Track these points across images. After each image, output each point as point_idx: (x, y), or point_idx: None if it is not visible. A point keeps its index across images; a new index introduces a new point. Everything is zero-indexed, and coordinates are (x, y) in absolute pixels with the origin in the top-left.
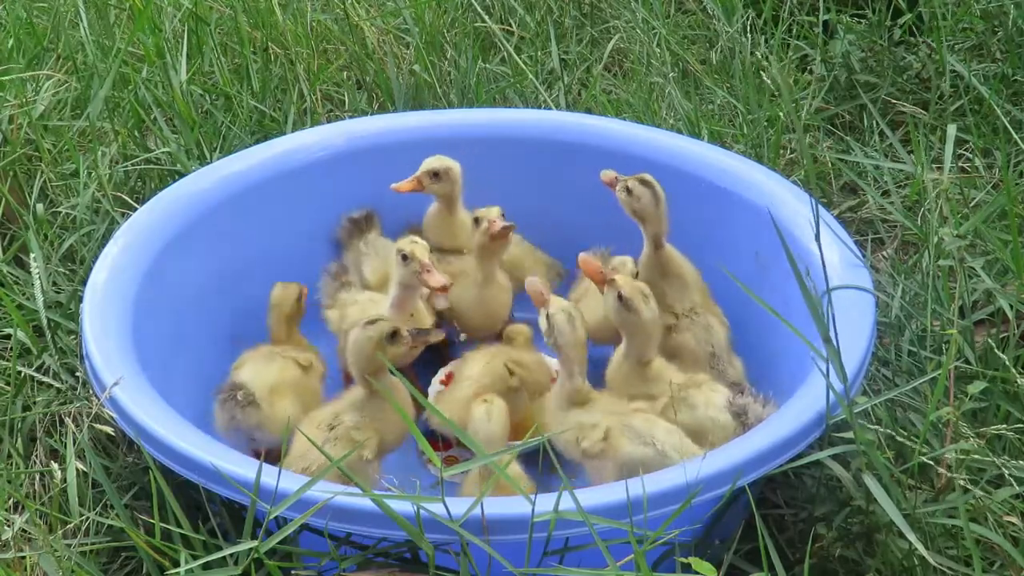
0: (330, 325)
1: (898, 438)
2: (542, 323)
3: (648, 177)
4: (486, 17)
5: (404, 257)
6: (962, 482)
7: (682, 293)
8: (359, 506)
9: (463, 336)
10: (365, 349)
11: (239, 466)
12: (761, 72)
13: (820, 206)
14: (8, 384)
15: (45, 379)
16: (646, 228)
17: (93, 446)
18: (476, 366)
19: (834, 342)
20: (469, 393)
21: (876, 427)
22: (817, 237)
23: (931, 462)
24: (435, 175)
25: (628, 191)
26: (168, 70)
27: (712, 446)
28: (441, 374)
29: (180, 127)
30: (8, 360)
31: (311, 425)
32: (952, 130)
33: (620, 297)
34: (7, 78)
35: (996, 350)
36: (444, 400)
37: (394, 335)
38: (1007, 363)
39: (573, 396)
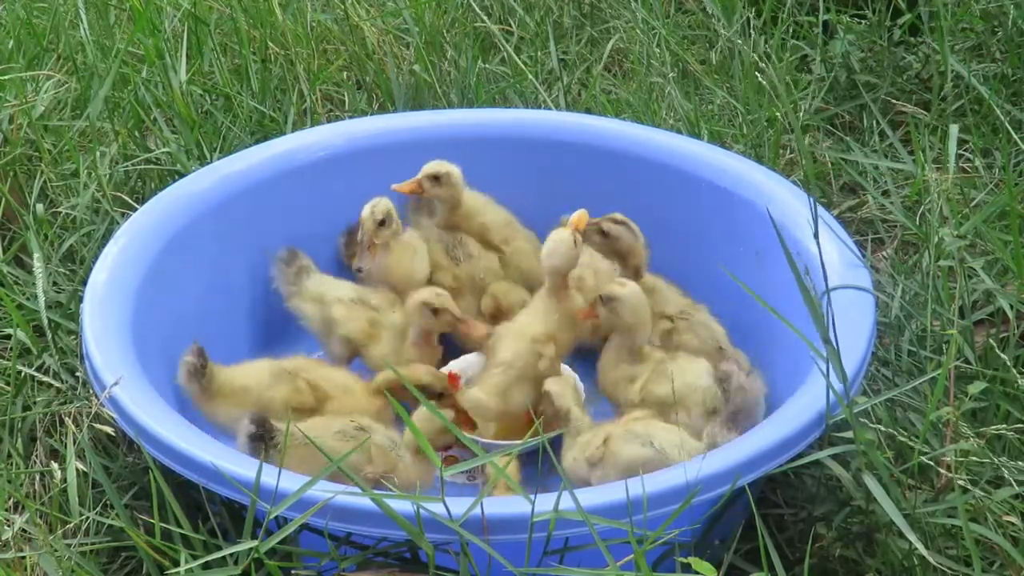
0: (303, 316)
1: (900, 438)
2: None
3: (620, 216)
4: (485, 18)
5: (434, 311)
6: (961, 482)
7: (665, 299)
8: (359, 506)
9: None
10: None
11: (239, 466)
12: (761, 72)
13: (820, 206)
14: (8, 384)
15: (45, 379)
16: (627, 263)
17: (93, 446)
18: (506, 351)
19: (833, 343)
20: (502, 381)
21: (877, 426)
22: (816, 236)
23: (931, 463)
24: (435, 179)
25: (603, 233)
26: (168, 70)
27: (689, 412)
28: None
29: (180, 127)
30: (8, 360)
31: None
32: (954, 130)
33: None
34: (7, 77)
35: (996, 350)
36: (479, 391)
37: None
38: (1008, 363)
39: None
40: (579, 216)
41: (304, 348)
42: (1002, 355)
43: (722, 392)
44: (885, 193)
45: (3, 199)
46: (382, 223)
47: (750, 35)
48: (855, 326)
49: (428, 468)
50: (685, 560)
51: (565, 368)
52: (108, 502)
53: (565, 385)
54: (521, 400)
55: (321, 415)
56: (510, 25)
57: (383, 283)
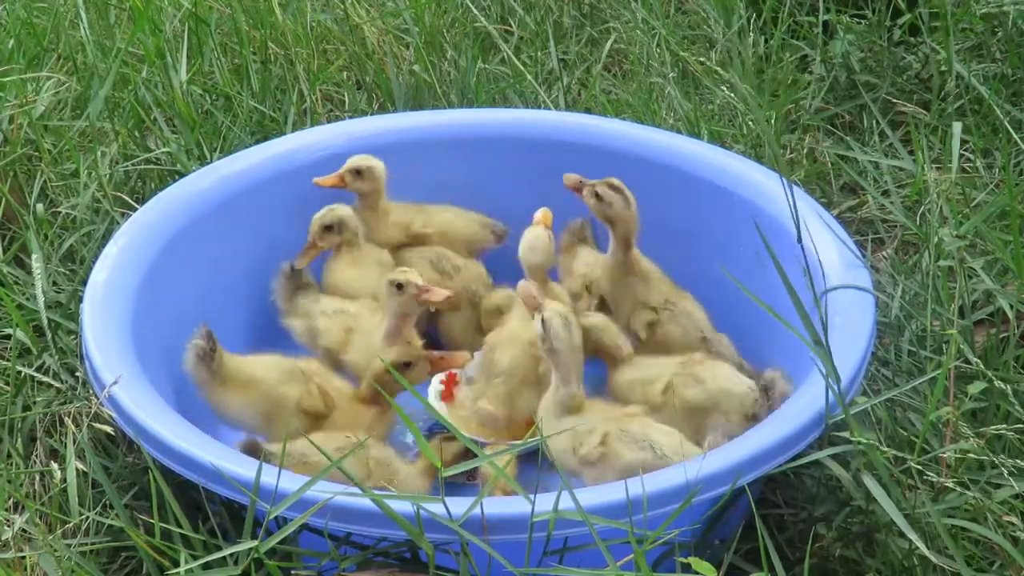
0: (296, 335)
1: (889, 450)
2: (536, 327)
3: (616, 181)
4: (483, 19)
5: (399, 286)
6: (950, 484)
7: (649, 287)
8: (359, 506)
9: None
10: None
11: (239, 466)
12: (731, 86)
13: (819, 205)
14: (8, 384)
15: (45, 379)
16: (616, 231)
17: (93, 446)
18: (504, 359)
19: (825, 345)
20: (505, 391)
21: (872, 442)
22: (799, 240)
23: (919, 467)
24: (357, 173)
25: (598, 196)
26: (168, 70)
27: (727, 417)
28: (441, 373)
29: (180, 127)
30: (8, 360)
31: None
32: (957, 128)
33: (543, 321)
34: (8, 79)
35: (996, 350)
36: (487, 404)
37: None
38: (988, 371)
39: (568, 402)
40: (543, 213)
41: (304, 350)
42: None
43: (765, 400)
44: (885, 193)
45: (3, 199)
46: (328, 228)
47: (750, 35)
48: (855, 326)
49: (427, 480)
50: (685, 560)
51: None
52: (108, 502)
53: (568, 332)
54: (527, 405)
55: (328, 422)
56: (510, 25)
57: (334, 293)
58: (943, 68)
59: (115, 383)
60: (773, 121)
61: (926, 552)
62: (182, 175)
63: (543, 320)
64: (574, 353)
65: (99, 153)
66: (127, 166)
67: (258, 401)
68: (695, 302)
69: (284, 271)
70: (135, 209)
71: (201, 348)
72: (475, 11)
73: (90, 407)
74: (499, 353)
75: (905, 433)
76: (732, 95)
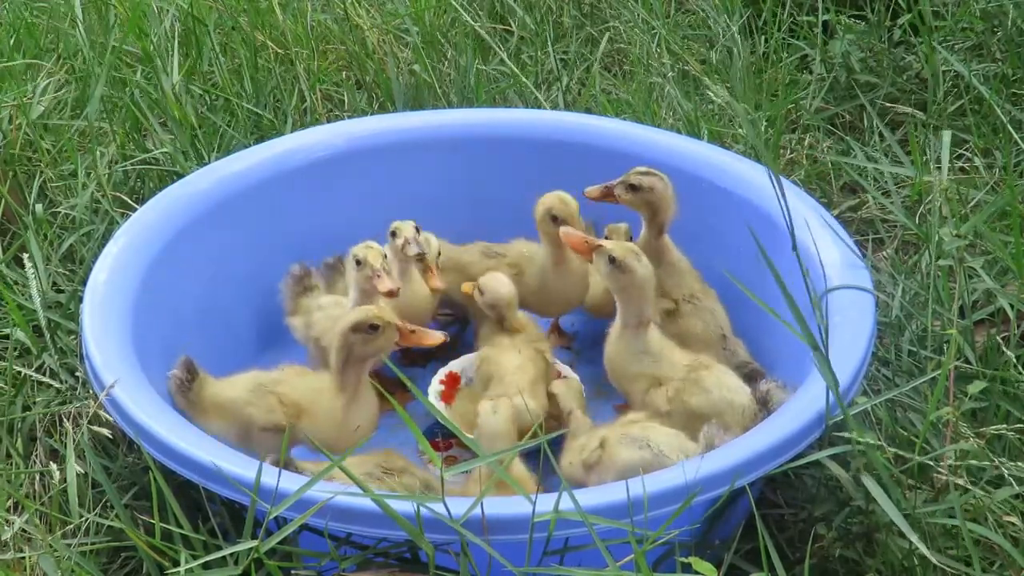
0: (295, 333)
1: (892, 447)
2: (601, 267)
3: (643, 168)
4: (481, 19)
5: (358, 262)
6: (960, 481)
7: (677, 280)
8: (359, 506)
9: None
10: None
11: (239, 466)
12: (761, 72)
13: (820, 205)
14: (8, 384)
15: (45, 379)
16: (657, 217)
17: (93, 446)
18: (512, 361)
19: (823, 350)
20: (513, 391)
21: (876, 429)
22: (794, 249)
23: (930, 463)
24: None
25: (633, 188)
26: (159, 73)
27: (728, 427)
28: (441, 374)
29: (174, 129)
30: (8, 360)
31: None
32: (947, 136)
33: (612, 260)
34: (7, 80)
35: (996, 350)
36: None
37: (373, 328)
38: (1011, 361)
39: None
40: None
41: (302, 350)
42: (1008, 352)
43: (764, 412)
44: (885, 193)
45: (3, 199)
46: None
47: (750, 35)
48: (855, 326)
49: None
50: (685, 560)
51: (568, 371)
52: (108, 502)
53: (569, 388)
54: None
55: (296, 431)
56: (510, 25)
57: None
58: (934, 71)
59: (113, 385)
60: (775, 122)
61: (926, 553)
62: (181, 175)
63: (611, 257)
64: (650, 281)
65: (98, 153)
66: (126, 166)
67: (231, 424)
68: (719, 301)
69: (293, 272)
70: (135, 209)
71: (179, 379)
72: (476, 12)
73: (90, 407)
74: (505, 357)
75: (905, 433)
76: (726, 103)
